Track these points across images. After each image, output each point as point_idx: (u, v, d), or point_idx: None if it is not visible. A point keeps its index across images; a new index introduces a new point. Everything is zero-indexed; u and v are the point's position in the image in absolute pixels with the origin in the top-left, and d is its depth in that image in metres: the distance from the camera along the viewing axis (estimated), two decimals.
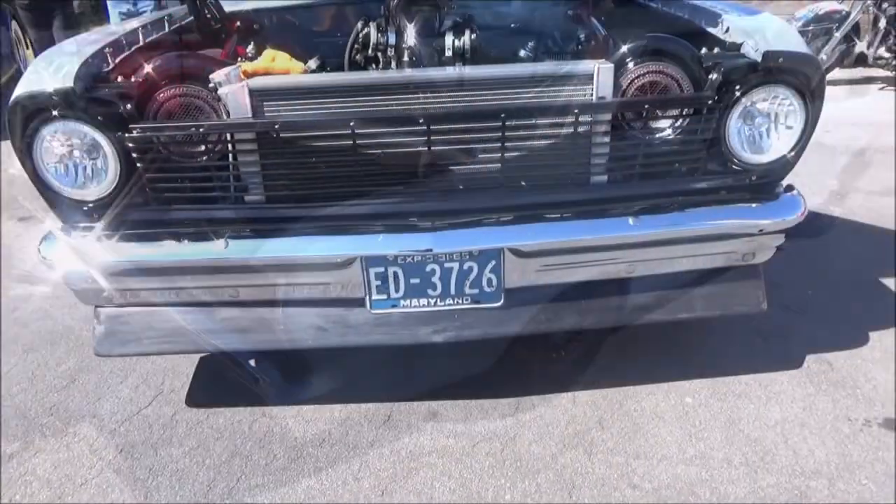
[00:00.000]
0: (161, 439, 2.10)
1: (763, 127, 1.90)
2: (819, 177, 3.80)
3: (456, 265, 1.88)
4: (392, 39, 2.20)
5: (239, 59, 2.26)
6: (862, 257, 2.99)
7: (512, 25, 2.67)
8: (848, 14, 5.99)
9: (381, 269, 1.88)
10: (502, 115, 1.76)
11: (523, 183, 1.88)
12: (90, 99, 1.74)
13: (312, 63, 2.19)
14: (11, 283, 3.10)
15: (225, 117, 1.80)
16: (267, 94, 1.79)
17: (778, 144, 1.90)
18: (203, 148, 1.81)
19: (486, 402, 2.18)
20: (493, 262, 1.88)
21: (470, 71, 1.93)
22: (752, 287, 2.05)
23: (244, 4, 2.68)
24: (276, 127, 1.75)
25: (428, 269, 1.89)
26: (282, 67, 2.04)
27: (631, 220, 1.87)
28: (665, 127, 1.88)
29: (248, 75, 1.90)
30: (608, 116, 1.83)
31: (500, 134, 1.79)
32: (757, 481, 1.85)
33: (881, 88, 6.06)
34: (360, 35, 2.30)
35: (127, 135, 1.74)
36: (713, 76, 1.82)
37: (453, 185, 1.86)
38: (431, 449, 2.02)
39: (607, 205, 1.90)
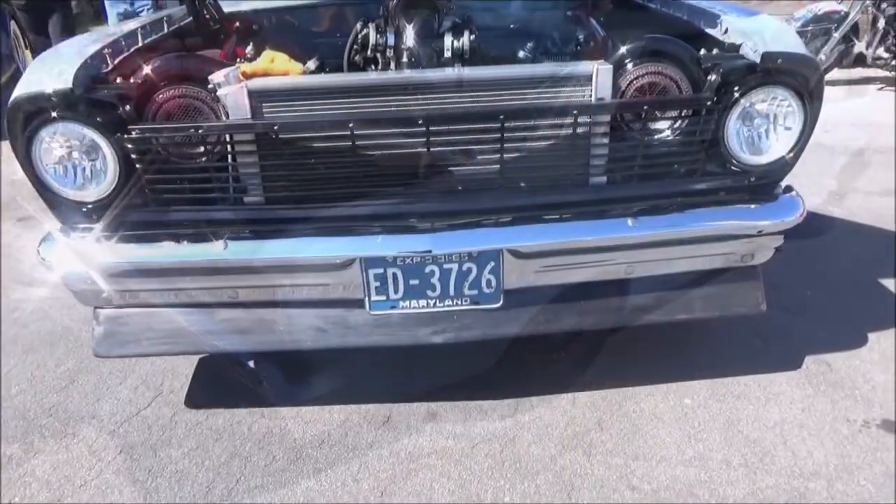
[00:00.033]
0: (160, 440, 2.10)
1: (762, 128, 1.90)
2: (818, 177, 3.80)
3: (455, 266, 1.88)
4: (391, 40, 2.20)
5: (238, 59, 2.26)
6: (861, 258, 2.98)
7: (511, 26, 2.67)
8: (847, 14, 5.98)
9: (381, 271, 1.87)
10: (501, 117, 1.76)
11: (522, 184, 1.88)
12: (89, 100, 1.74)
13: (311, 64, 2.20)
14: (11, 284, 3.10)
15: (224, 118, 1.80)
16: (266, 95, 1.79)
17: (777, 145, 1.90)
18: (202, 149, 1.81)
19: (485, 403, 2.18)
20: (493, 264, 1.88)
21: (469, 72, 1.92)
22: (751, 288, 2.05)
23: (243, 5, 2.68)
24: (276, 128, 1.75)
25: (427, 270, 1.88)
26: (281, 68, 2.04)
27: (630, 222, 1.87)
28: (664, 128, 1.88)
29: (248, 76, 1.89)
30: (607, 117, 1.83)
31: (499, 135, 1.79)
32: (756, 482, 1.85)
33: (880, 89, 6.05)
34: (359, 36, 2.30)
35: (126, 136, 1.74)
36: (712, 77, 1.82)
37: (452, 187, 1.86)
38: (431, 450, 2.02)
39: (606, 206, 1.90)
